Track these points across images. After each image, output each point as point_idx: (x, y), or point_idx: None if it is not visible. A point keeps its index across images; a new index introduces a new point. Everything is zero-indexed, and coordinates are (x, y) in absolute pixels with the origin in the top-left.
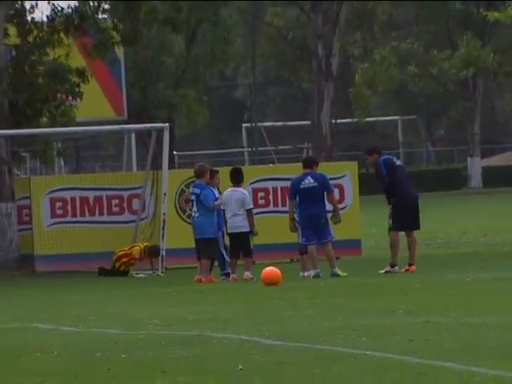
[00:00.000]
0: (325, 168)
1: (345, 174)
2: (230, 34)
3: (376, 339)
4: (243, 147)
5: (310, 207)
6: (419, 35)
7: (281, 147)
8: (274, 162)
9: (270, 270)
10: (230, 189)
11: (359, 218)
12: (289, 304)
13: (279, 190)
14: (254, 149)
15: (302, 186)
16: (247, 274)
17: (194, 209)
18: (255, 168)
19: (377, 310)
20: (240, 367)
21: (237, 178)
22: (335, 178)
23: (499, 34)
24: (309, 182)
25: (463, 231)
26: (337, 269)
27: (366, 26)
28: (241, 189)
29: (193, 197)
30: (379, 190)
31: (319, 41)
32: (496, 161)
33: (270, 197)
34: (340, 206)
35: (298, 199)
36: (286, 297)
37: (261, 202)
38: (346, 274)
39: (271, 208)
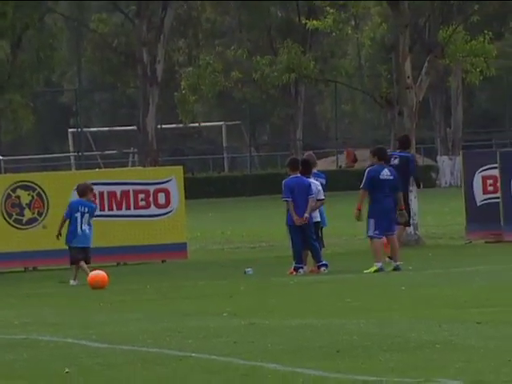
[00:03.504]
0: (151, 172)
1: (171, 179)
2: (56, 41)
3: (201, 341)
4: (69, 152)
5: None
6: (242, 43)
7: (107, 152)
8: (100, 167)
9: (96, 274)
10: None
11: (185, 221)
12: (115, 307)
13: (105, 194)
14: (80, 154)
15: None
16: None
17: (83, 225)
18: (81, 173)
19: (202, 312)
20: (67, 370)
21: (83, 191)
22: (161, 183)
23: (320, 42)
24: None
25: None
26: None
27: (190, 33)
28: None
29: (77, 214)
30: (204, 195)
31: (144, 47)
32: (319, 166)
33: (97, 201)
34: (166, 210)
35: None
36: (112, 300)
37: None
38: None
39: (98, 212)
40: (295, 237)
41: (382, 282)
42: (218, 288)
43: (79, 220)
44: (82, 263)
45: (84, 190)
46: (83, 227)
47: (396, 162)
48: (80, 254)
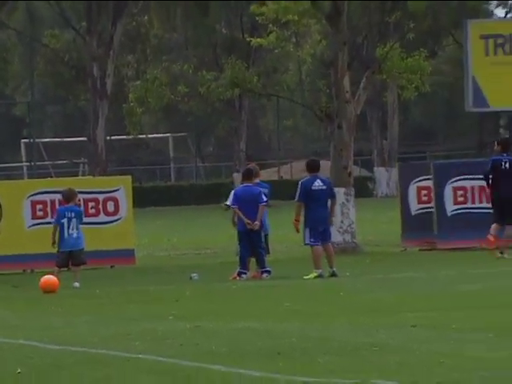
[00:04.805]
0: (100, 182)
1: (119, 188)
2: (9, 55)
3: (149, 343)
4: (22, 162)
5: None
6: (188, 58)
7: (58, 162)
8: (51, 176)
9: (48, 278)
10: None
11: (133, 228)
12: (66, 310)
13: (57, 202)
14: (32, 163)
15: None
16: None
17: (70, 230)
18: (34, 181)
19: (150, 316)
20: (19, 370)
21: (70, 196)
22: (110, 192)
23: (263, 58)
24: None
25: (230, 241)
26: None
27: (139, 48)
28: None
29: (64, 220)
30: (151, 203)
31: (94, 62)
32: (261, 177)
33: (48, 209)
34: (115, 217)
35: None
36: (63, 303)
37: (39, 213)
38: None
39: (49, 219)
40: (242, 243)
41: (322, 287)
42: (164, 292)
43: (66, 225)
44: (75, 267)
45: (70, 196)
46: (70, 232)
47: (507, 166)
48: (65, 259)
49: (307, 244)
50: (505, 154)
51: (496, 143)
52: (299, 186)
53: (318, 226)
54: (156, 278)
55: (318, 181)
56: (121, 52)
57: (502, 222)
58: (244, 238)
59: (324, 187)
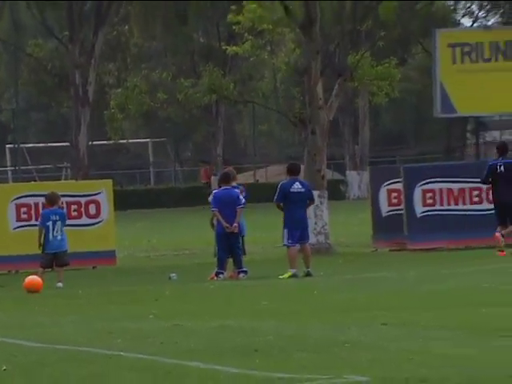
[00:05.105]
0: (82, 185)
1: (101, 191)
2: None
3: (130, 342)
4: (7, 166)
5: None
6: (167, 66)
7: (42, 166)
8: (35, 180)
9: (32, 279)
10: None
11: (114, 230)
12: (50, 310)
13: (40, 205)
14: (17, 168)
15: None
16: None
17: (55, 232)
18: (18, 185)
19: (130, 315)
20: (4, 368)
21: (53, 200)
22: (92, 195)
23: (239, 66)
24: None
25: (208, 243)
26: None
27: (119, 57)
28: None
29: (49, 223)
30: (132, 206)
31: (76, 70)
32: (238, 180)
33: (32, 211)
34: (96, 220)
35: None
36: (47, 303)
37: (24, 216)
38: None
39: (33, 221)
40: (221, 244)
41: (296, 286)
42: (144, 292)
43: (51, 228)
44: (58, 268)
45: (54, 199)
46: (54, 234)
47: (502, 169)
48: (50, 261)
49: (285, 245)
50: (501, 158)
51: (496, 148)
52: (278, 188)
53: (295, 228)
54: (136, 278)
55: (297, 183)
56: (102, 60)
57: (504, 224)
58: (222, 239)
59: (302, 190)
